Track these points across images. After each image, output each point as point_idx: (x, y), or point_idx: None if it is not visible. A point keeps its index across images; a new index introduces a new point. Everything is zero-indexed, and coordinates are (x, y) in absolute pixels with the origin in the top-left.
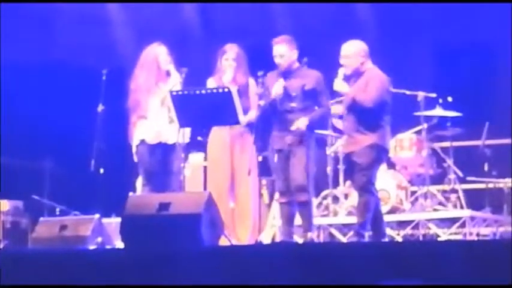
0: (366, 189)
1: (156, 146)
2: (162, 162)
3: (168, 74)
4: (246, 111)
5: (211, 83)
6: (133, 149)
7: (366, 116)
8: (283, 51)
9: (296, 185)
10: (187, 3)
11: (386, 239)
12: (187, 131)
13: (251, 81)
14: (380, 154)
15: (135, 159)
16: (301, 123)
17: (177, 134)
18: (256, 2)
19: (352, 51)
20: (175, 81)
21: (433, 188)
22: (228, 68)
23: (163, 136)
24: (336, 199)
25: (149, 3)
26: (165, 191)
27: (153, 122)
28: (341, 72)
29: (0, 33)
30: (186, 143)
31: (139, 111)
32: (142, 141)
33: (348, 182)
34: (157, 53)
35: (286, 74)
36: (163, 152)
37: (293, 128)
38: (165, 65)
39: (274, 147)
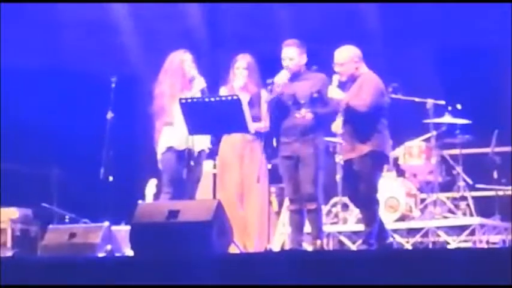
0: (370, 198)
1: (183, 153)
2: (188, 169)
3: (191, 81)
4: (257, 120)
5: (223, 92)
6: (159, 156)
7: (361, 122)
8: (293, 54)
9: (305, 192)
10: (196, 10)
11: (391, 239)
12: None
13: (263, 91)
14: (379, 160)
15: (160, 166)
16: (306, 114)
17: (202, 141)
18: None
19: (346, 57)
20: (199, 88)
21: (443, 196)
22: (239, 77)
23: (190, 142)
24: (345, 207)
25: (158, 10)
26: (187, 198)
27: (180, 128)
28: (335, 78)
29: (0, 36)
30: (210, 149)
31: (165, 117)
32: (170, 148)
33: None
34: (183, 60)
35: (294, 77)
36: (189, 158)
37: (298, 116)
38: (189, 72)
39: (283, 154)
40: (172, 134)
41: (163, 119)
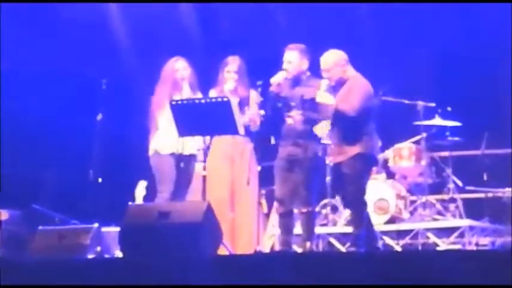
0: (357, 201)
1: (171, 156)
2: (178, 172)
3: (182, 88)
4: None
5: (213, 94)
6: (151, 160)
7: (349, 125)
8: (293, 58)
9: (299, 196)
10: (189, 13)
11: (380, 242)
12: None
13: (252, 92)
14: (367, 163)
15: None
16: (296, 115)
17: (193, 145)
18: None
19: (331, 62)
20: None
21: (432, 198)
22: (229, 80)
23: (177, 146)
24: (335, 208)
25: (151, 13)
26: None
27: (165, 132)
28: (324, 83)
29: (0, 36)
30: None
31: (153, 122)
32: (156, 152)
33: None
34: (175, 69)
35: (295, 83)
36: (178, 161)
37: (290, 121)
38: (181, 80)
39: (279, 156)
40: (158, 138)
41: (152, 124)
